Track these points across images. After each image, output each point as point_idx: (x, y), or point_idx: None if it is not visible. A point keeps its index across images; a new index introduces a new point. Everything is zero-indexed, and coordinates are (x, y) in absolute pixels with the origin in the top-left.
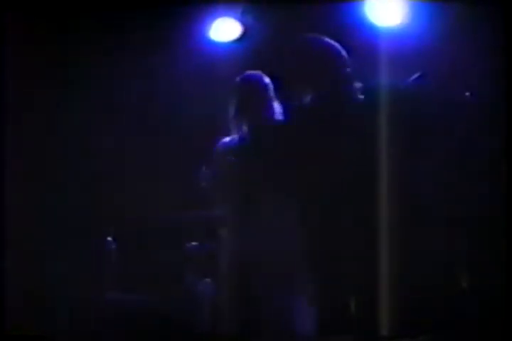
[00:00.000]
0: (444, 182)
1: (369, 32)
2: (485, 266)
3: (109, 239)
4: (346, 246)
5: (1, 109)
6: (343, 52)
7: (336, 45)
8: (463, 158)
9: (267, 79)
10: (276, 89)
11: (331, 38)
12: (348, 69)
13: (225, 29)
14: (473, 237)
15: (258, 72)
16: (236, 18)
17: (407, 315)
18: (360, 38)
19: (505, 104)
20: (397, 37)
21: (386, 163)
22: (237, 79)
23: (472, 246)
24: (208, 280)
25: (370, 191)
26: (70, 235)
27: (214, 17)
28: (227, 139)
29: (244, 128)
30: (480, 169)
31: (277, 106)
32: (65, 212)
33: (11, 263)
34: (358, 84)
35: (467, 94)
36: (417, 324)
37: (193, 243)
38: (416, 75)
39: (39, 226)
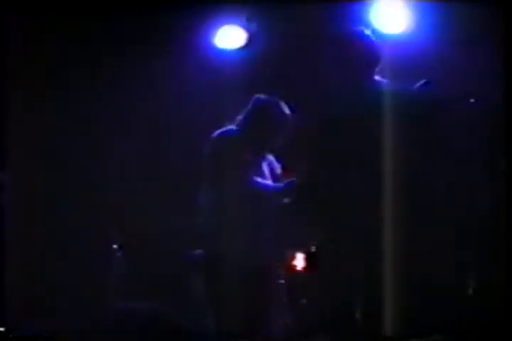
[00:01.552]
0: (447, 184)
1: (373, 38)
2: (489, 267)
3: (114, 246)
4: (351, 247)
5: (1, 109)
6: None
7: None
8: (466, 161)
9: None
10: None
11: (336, 45)
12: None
13: (230, 36)
14: (478, 238)
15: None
16: (241, 25)
17: (412, 316)
18: (364, 44)
19: (507, 107)
20: (401, 43)
21: (391, 165)
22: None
23: (476, 247)
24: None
25: (374, 191)
26: (73, 240)
27: (219, 25)
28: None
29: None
30: (483, 171)
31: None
32: (70, 216)
33: (11, 264)
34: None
35: (472, 100)
36: (423, 324)
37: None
38: (422, 82)
39: (42, 228)
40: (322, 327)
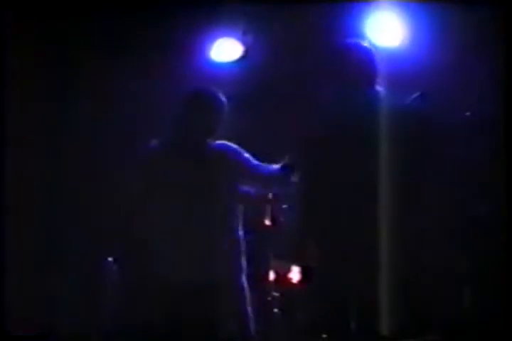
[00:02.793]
0: (445, 194)
1: (369, 52)
2: (486, 267)
3: (109, 259)
4: (348, 247)
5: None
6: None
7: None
8: (463, 171)
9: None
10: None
11: (331, 57)
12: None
13: (225, 49)
14: (475, 239)
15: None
16: (237, 38)
17: (408, 316)
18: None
19: (504, 120)
20: (396, 57)
21: (387, 176)
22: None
23: (473, 248)
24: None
25: (371, 195)
26: (70, 252)
27: (215, 37)
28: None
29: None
30: (480, 181)
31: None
32: (66, 228)
33: (10, 264)
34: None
35: (467, 113)
36: (419, 324)
37: None
38: (416, 95)
39: (41, 230)
40: (317, 326)
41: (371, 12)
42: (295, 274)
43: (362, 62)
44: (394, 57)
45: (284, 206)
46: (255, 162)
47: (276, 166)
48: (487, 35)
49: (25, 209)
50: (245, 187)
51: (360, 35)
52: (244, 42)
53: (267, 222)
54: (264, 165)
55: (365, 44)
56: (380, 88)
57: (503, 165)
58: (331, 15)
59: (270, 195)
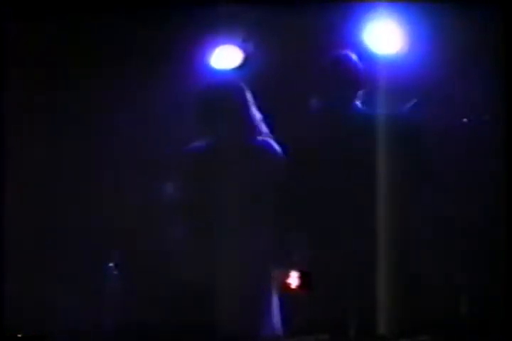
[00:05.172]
0: (443, 204)
1: (367, 59)
2: (484, 266)
3: (110, 264)
4: (346, 248)
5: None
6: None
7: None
8: (461, 180)
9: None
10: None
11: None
12: (361, 92)
13: (226, 56)
14: (473, 238)
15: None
16: (237, 45)
17: (406, 315)
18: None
19: (505, 129)
20: (394, 64)
21: (383, 186)
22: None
23: (472, 246)
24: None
25: (368, 199)
26: (71, 253)
27: (215, 45)
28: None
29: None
30: (478, 190)
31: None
32: (66, 229)
33: (11, 265)
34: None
35: (464, 120)
36: (417, 324)
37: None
38: (412, 102)
39: (41, 233)
40: (313, 326)
41: (371, 17)
42: (294, 279)
43: (350, 74)
44: (392, 63)
45: None
46: None
47: None
48: (486, 38)
49: (25, 210)
50: None
51: (360, 41)
52: (244, 50)
53: None
54: None
55: (353, 56)
56: (370, 98)
57: (503, 167)
58: (332, 21)
59: None
